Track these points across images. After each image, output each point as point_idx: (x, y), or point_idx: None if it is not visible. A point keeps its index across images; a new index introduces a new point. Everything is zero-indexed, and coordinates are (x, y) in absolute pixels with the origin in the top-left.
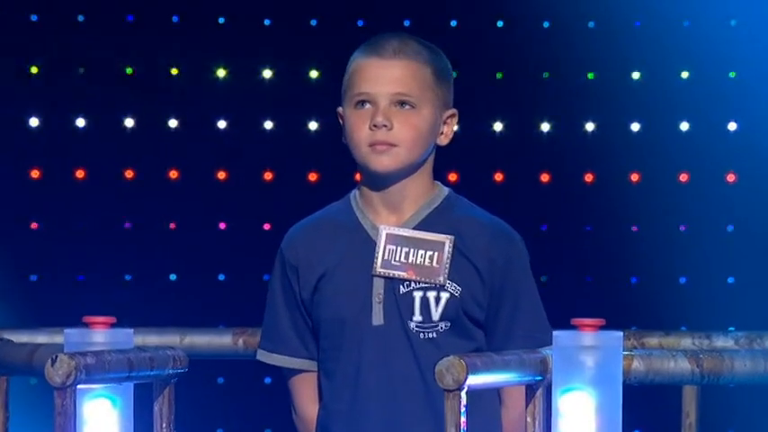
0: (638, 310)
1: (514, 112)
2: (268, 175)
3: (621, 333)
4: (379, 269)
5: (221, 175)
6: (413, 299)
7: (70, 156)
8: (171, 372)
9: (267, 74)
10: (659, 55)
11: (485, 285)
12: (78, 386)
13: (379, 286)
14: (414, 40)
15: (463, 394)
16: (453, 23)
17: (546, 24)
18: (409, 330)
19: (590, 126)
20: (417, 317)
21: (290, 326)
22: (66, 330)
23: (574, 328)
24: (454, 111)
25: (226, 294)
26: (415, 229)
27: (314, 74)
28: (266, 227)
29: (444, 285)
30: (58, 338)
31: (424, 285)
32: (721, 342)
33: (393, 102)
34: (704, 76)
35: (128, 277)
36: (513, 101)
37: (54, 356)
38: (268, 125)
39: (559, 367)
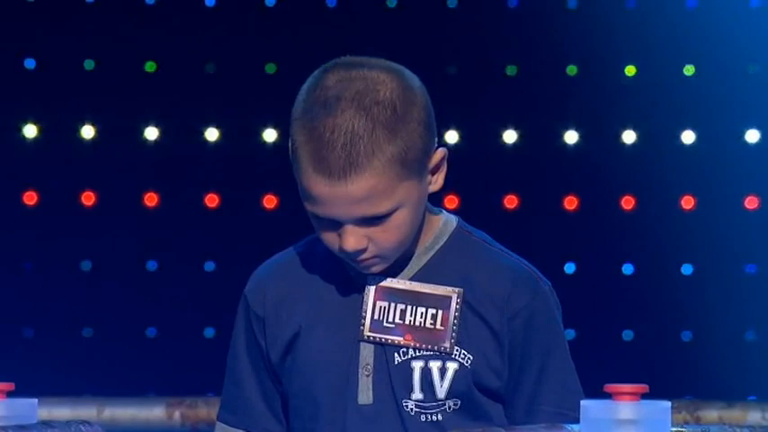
0: (693, 375)
1: (531, 119)
2: (213, 200)
3: (670, 404)
4: (367, 332)
5: (150, 199)
6: (411, 371)
7: None
8: None
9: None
10: (717, 45)
11: (502, 349)
12: None
13: (367, 354)
14: (365, 117)
15: None
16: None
17: (573, 5)
18: (405, 412)
19: (628, 136)
20: (417, 394)
21: (258, 392)
22: None
23: (608, 396)
24: (441, 153)
25: (157, 354)
26: (413, 279)
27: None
28: (209, 266)
29: (451, 353)
30: None
31: (425, 353)
32: None
33: (361, 220)
34: None
35: (29, 332)
36: (528, 103)
37: None
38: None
39: None
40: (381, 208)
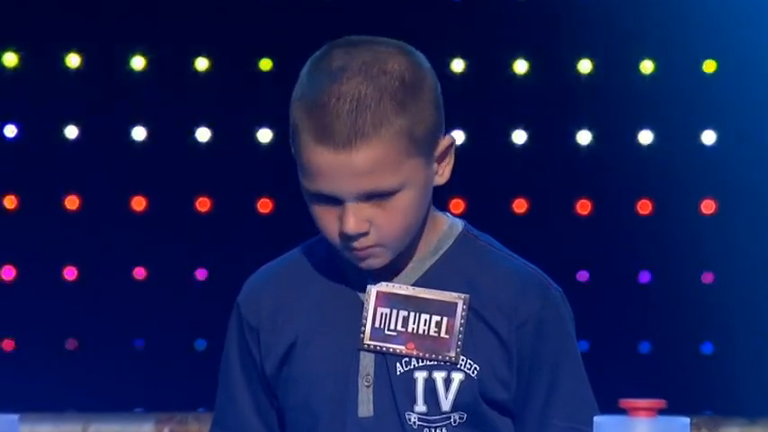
0: (714, 389)
1: (541, 118)
2: (204, 204)
3: (688, 420)
4: (367, 341)
5: (138, 203)
6: (414, 382)
7: None
8: None
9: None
10: (739, 40)
11: (511, 358)
12: None
13: (367, 364)
14: (372, 84)
15: None
16: None
17: None
18: (408, 425)
19: (645, 136)
20: (421, 407)
21: (252, 407)
22: None
23: (623, 411)
24: (449, 140)
25: (145, 367)
26: (416, 284)
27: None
28: (200, 274)
29: (457, 363)
30: None
31: (429, 363)
32: None
33: (364, 198)
34: None
35: (9, 344)
36: (539, 102)
37: None
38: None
39: None
40: (386, 183)
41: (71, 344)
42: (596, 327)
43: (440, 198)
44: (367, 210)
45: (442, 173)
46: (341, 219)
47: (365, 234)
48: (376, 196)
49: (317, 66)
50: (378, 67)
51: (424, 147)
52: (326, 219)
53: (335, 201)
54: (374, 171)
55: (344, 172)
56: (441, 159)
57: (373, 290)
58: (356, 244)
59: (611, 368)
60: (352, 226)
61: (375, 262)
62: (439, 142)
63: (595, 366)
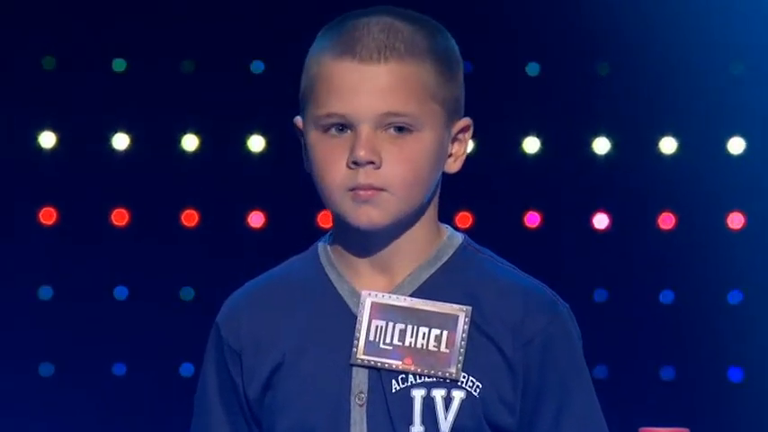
0: (742, 418)
1: (555, 124)
2: (191, 218)
3: None
4: (360, 355)
5: (119, 217)
6: (411, 400)
7: None
8: None
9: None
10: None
11: (515, 378)
12: None
13: (361, 381)
14: (404, 21)
15: None
16: None
17: None
18: None
19: (667, 144)
20: (418, 427)
21: None
22: None
23: None
24: (468, 121)
25: (126, 395)
26: (413, 295)
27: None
28: (187, 293)
29: (458, 380)
30: None
31: (427, 380)
32: None
33: (380, 125)
34: None
35: None
36: (553, 107)
37: None
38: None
39: None
40: (408, 108)
41: (46, 369)
42: (615, 350)
43: (446, 211)
44: (381, 141)
45: (455, 158)
46: (351, 149)
47: (374, 166)
48: (393, 126)
49: (335, 21)
50: (410, 17)
51: (447, 104)
52: (333, 154)
53: (348, 130)
54: (399, 90)
55: (367, 87)
56: (456, 138)
57: (368, 301)
58: (362, 178)
59: (632, 395)
60: (363, 152)
61: (375, 214)
62: (460, 111)
63: (614, 393)
